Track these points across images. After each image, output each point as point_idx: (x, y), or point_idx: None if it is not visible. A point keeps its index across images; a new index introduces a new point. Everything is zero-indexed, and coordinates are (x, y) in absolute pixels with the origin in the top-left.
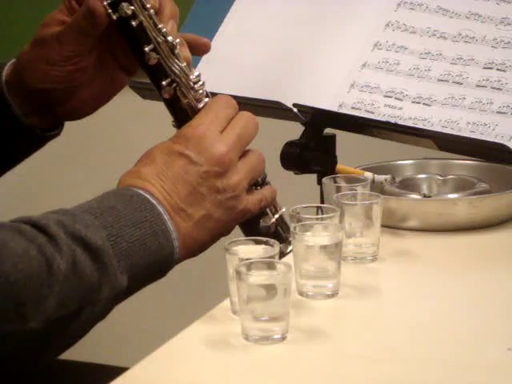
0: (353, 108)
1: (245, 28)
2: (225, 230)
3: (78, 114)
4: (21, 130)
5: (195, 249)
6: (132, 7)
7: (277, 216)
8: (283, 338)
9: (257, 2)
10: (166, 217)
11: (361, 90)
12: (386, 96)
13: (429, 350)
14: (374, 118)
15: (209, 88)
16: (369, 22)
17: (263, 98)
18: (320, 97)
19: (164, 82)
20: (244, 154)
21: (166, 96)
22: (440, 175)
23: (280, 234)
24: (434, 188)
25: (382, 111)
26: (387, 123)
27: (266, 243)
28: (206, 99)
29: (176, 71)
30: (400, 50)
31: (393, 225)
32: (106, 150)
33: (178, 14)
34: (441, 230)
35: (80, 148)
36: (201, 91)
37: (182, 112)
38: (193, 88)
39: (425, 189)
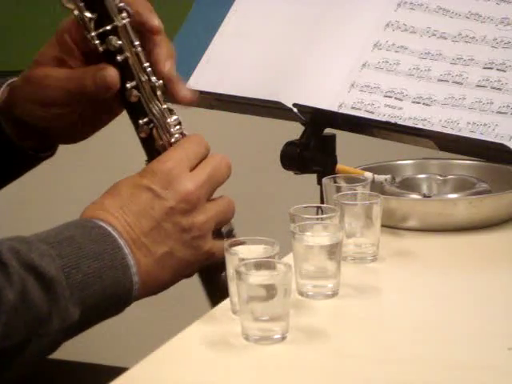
0: (353, 108)
1: (245, 28)
2: (187, 271)
3: (73, 140)
4: (14, 151)
5: (155, 287)
6: (120, 42)
7: None
8: (283, 338)
9: (257, 2)
10: (126, 251)
11: (361, 90)
12: (386, 96)
13: (429, 350)
14: (374, 118)
15: (209, 88)
16: (369, 22)
17: (263, 98)
18: (320, 97)
19: (141, 121)
20: (215, 198)
21: (142, 135)
22: (440, 175)
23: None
24: (434, 188)
25: (382, 111)
26: (387, 123)
27: (265, 243)
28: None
29: (155, 112)
30: (400, 50)
31: (393, 225)
32: (104, 153)
33: (174, 53)
34: (441, 230)
35: (78, 151)
36: (177, 135)
37: (156, 152)
38: (169, 131)
39: (425, 189)
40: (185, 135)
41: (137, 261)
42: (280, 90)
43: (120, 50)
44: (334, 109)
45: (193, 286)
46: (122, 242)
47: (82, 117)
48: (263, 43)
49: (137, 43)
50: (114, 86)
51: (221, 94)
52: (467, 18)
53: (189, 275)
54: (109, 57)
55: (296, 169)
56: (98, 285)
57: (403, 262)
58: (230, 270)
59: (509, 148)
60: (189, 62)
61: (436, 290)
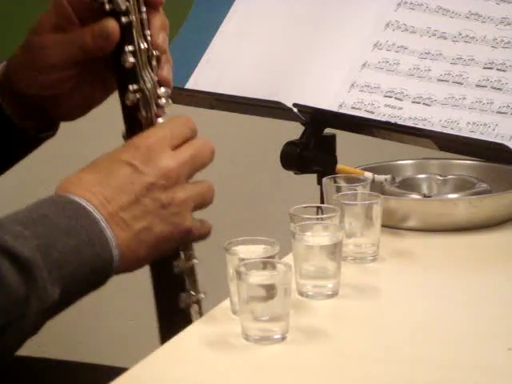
0: (353, 108)
1: (245, 28)
2: (165, 248)
3: (72, 116)
4: (15, 132)
5: (134, 261)
6: (127, 3)
7: (191, 263)
8: (283, 338)
9: (257, 2)
10: (103, 224)
11: (361, 90)
12: (386, 96)
13: (429, 350)
14: (374, 118)
15: (209, 88)
16: (369, 22)
17: (263, 98)
18: (320, 97)
19: (131, 87)
20: (196, 180)
21: (128, 102)
22: (440, 175)
23: (184, 282)
24: (434, 188)
25: (381, 111)
26: (387, 123)
27: (265, 243)
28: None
29: (146, 80)
30: (400, 50)
31: (393, 225)
32: (104, 151)
33: (168, 26)
34: (441, 230)
35: (77, 149)
36: (164, 109)
37: (137, 124)
38: (157, 104)
39: (425, 189)
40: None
41: (115, 235)
42: (280, 90)
43: (126, 12)
44: (334, 109)
45: None
46: (98, 215)
47: (79, 89)
48: (263, 43)
49: (143, 9)
50: (114, 37)
51: (221, 94)
52: (467, 17)
53: (166, 252)
54: (113, 17)
55: (296, 169)
56: (77, 262)
57: (403, 262)
58: (230, 270)
59: (509, 148)
60: (189, 62)
61: (436, 289)
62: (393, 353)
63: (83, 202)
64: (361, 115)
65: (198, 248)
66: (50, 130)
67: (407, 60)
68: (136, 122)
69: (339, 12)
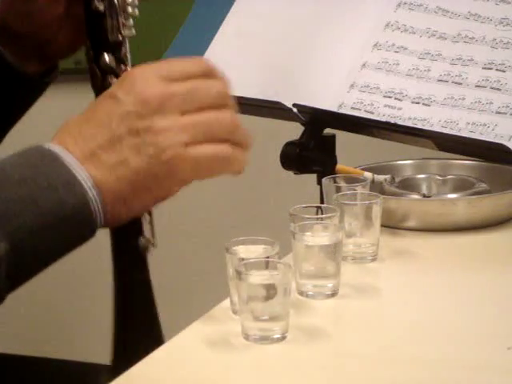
0: (352, 108)
1: (245, 28)
2: (151, 186)
3: (68, 50)
4: (18, 78)
5: (119, 205)
6: None
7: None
8: (283, 338)
9: (257, 2)
10: (74, 166)
11: (360, 90)
12: (385, 96)
13: (429, 350)
14: (374, 118)
15: None
16: (368, 22)
17: (263, 98)
18: (320, 97)
19: None
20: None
21: (100, 7)
22: (439, 175)
23: (142, 227)
24: (434, 188)
25: (381, 111)
26: (387, 123)
27: (265, 243)
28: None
29: None
30: (400, 51)
31: (392, 225)
32: None
33: None
34: (440, 229)
35: None
36: (131, 20)
37: (102, 31)
38: (125, 11)
39: (424, 189)
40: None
41: (92, 175)
42: (280, 90)
43: None
44: (334, 109)
45: (193, 285)
46: (68, 158)
47: (68, 25)
48: (263, 43)
49: None
50: None
51: None
52: (467, 18)
53: (159, 194)
54: None
55: (296, 169)
56: (31, 212)
57: (403, 261)
58: (230, 270)
59: (508, 148)
60: None
61: (435, 289)
62: (393, 353)
63: (54, 148)
64: (360, 115)
65: (198, 248)
66: (51, 73)
67: (407, 60)
68: (100, 29)
69: (339, 12)
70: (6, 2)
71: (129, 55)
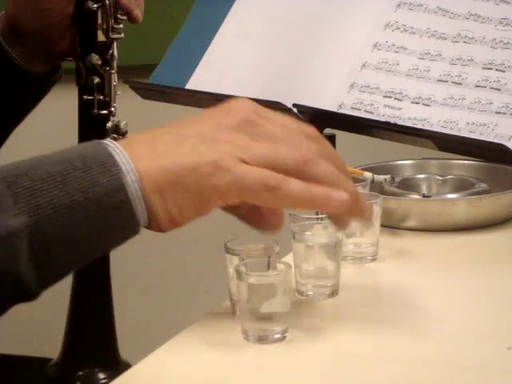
0: (352, 108)
1: (245, 28)
2: (191, 186)
3: (73, 51)
4: (24, 78)
5: (154, 194)
6: None
7: None
8: (283, 338)
9: (257, 2)
10: (116, 150)
11: (360, 91)
12: (385, 96)
13: (429, 350)
14: (374, 119)
15: (209, 88)
16: (368, 22)
17: (263, 98)
18: (320, 97)
19: None
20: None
21: (93, 8)
22: (439, 175)
23: None
24: (434, 188)
25: (381, 111)
26: (387, 123)
27: (265, 243)
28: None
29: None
30: (399, 51)
31: (392, 225)
32: None
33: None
34: (440, 229)
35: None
36: (120, 25)
37: (91, 31)
38: (116, 14)
39: (424, 189)
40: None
41: (134, 160)
42: (280, 91)
43: None
44: (334, 109)
45: (193, 286)
46: (112, 144)
47: (71, 29)
48: (263, 43)
49: None
50: None
51: (221, 94)
52: (466, 18)
53: (194, 202)
54: None
55: None
56: (59, 189)
57: (403, 261)
58: (230, 270)
59: (508, 148)
60: (189, 62)
61: (435, 289)
62: (393, 353)
63: (105, 141)
64: (360, 115)
65: (198, 248)
66: (55, 73)
67: (407, 60)
68: (90, 31)
69: (339, 12)
70: (16, 5)
71: (115, 58)
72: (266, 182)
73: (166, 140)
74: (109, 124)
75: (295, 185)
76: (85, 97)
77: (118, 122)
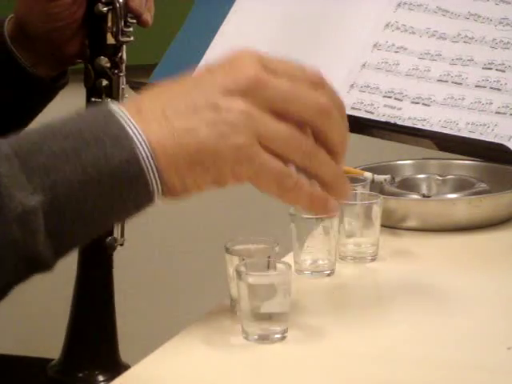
0: (352, 108)
1: (245, 28)
2: (209, 165)
3: (79, 56)
4: (31, 82)
5: (170, 171)
6: None
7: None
8: (283, 338)
9: (257, 2)
10: (127, 121)
11: (360, 91)
12: (385, 96)
13: (429, 350)
14: (374, 118)
15: None
16: (368, 22)
17: None
18: None
19: None
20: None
21: (103, 11)
22: (439, 175)
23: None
24: (434, 188)
25: (381, 111)
26: (387, 123)
27: (265, 243)
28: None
29: None
30: (399, 51)
31: (392, 225)
32: None
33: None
34: (440, 230)
35: None
36: (130, 29)
37: (101, 33)
38: (126, 18)
39: (424, 189)
40: None
41: (149, 130)
42: None
43: None
44: None
45: (193, 286)
46: (122, 113)
47: (79, 34)
48: (263, 43)
49: None
50: None
51: None
52: (466, 18)
53: (211, 179)
54: None
55: None
56: (73, 165)
57: (403, 261)
58: (230, 270)
59: (508, 148)
60: (189, 62)
61: (435, 289)
62: (393, 353)
63: (113, 106)
64: (360, 115)
65: (198, 248)
66: (61, 79)
67: (406, 60)
68: (100, 32)
69: (339, 12)
70: (29, 1)
71: (124, 61)
72: (283, 182)
73: (177, 108)
74: None
75: (304, 189)
76: (93, 99)
77: None
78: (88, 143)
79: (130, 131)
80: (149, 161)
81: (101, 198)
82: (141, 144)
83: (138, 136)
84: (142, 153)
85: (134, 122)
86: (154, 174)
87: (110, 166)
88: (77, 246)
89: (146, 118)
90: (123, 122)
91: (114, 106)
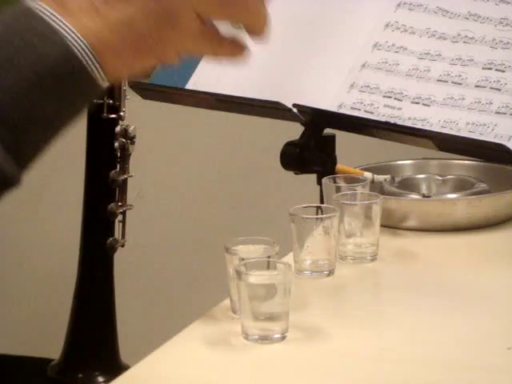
0: (352, 108)
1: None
2: (147, 34)
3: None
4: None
5: (110, 54)
6: None
7: (125, 176)
8: (283, 338)
9: None
10: (52, 17)
11: (360, 91)
12: (385, 96)
13: (429, 350)
14: (374, 119)
15: (209, 88)
16: (368, 22)
17: (263, 98)
18: (320, 97)
19: None
20: None
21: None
22: (439, 175)
23: (115, 193)
24: (434, 188)
25: (381, 111)
26: (387, 123)
27: (265, 243)
28: None
29: None
30: (399, 51)
31: (392, 225)
32: None
33: None
34: (440, 229)
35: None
36: None
37: None
38: None
39: (424, 189)
40: None
41: (78, 25)
42: (280, 90)
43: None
44: (334, 109)
45: (193, 286)
46: (44, 11)
47: None
48: (263, 43)
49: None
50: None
51: (221, 94)
52: (466, 18)
53: (154, 52)
54: None
55: (296, 169)
56: (11, 75)
57: (403, 261)
58: (230, 270)
59: (508, 148)
60: (189, 62)
61: (435, 289)
62: (393, 353)
63: (33, 4)
64: (360, 115)
65: (198, 248)
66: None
67: (406, 60)
68: None
69: (339, 12)
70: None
71: None
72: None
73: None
74: (117, 128)
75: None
76: (94, 100)
77: (127, 126)
78: (20, 49)
79: (57, 26)
80: (84, 50)
81: (48, 100)
82: (72, 37)
83: (67, 29)
84: (75, 44)
85: (57, 16)
86: (93, 62)
87: (46, 66)
88: (40, 153)
89: (73, 11)
90: (46, 17)
91: (31, 3)
